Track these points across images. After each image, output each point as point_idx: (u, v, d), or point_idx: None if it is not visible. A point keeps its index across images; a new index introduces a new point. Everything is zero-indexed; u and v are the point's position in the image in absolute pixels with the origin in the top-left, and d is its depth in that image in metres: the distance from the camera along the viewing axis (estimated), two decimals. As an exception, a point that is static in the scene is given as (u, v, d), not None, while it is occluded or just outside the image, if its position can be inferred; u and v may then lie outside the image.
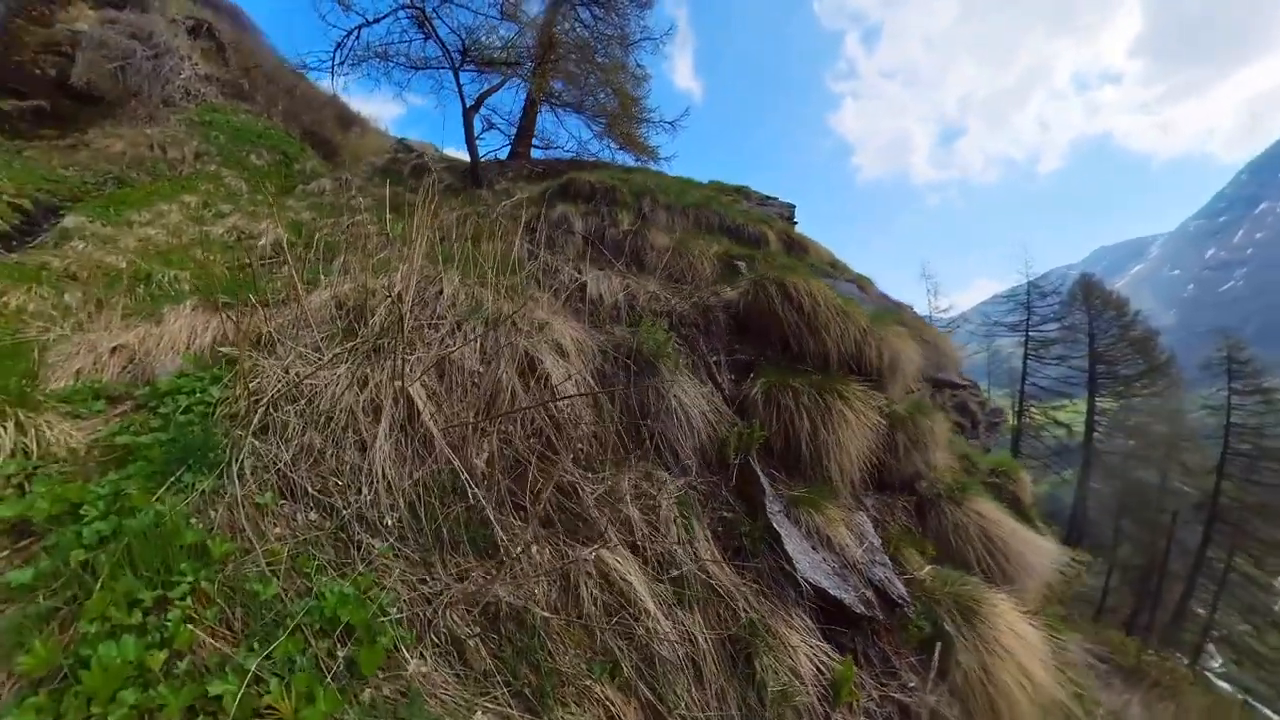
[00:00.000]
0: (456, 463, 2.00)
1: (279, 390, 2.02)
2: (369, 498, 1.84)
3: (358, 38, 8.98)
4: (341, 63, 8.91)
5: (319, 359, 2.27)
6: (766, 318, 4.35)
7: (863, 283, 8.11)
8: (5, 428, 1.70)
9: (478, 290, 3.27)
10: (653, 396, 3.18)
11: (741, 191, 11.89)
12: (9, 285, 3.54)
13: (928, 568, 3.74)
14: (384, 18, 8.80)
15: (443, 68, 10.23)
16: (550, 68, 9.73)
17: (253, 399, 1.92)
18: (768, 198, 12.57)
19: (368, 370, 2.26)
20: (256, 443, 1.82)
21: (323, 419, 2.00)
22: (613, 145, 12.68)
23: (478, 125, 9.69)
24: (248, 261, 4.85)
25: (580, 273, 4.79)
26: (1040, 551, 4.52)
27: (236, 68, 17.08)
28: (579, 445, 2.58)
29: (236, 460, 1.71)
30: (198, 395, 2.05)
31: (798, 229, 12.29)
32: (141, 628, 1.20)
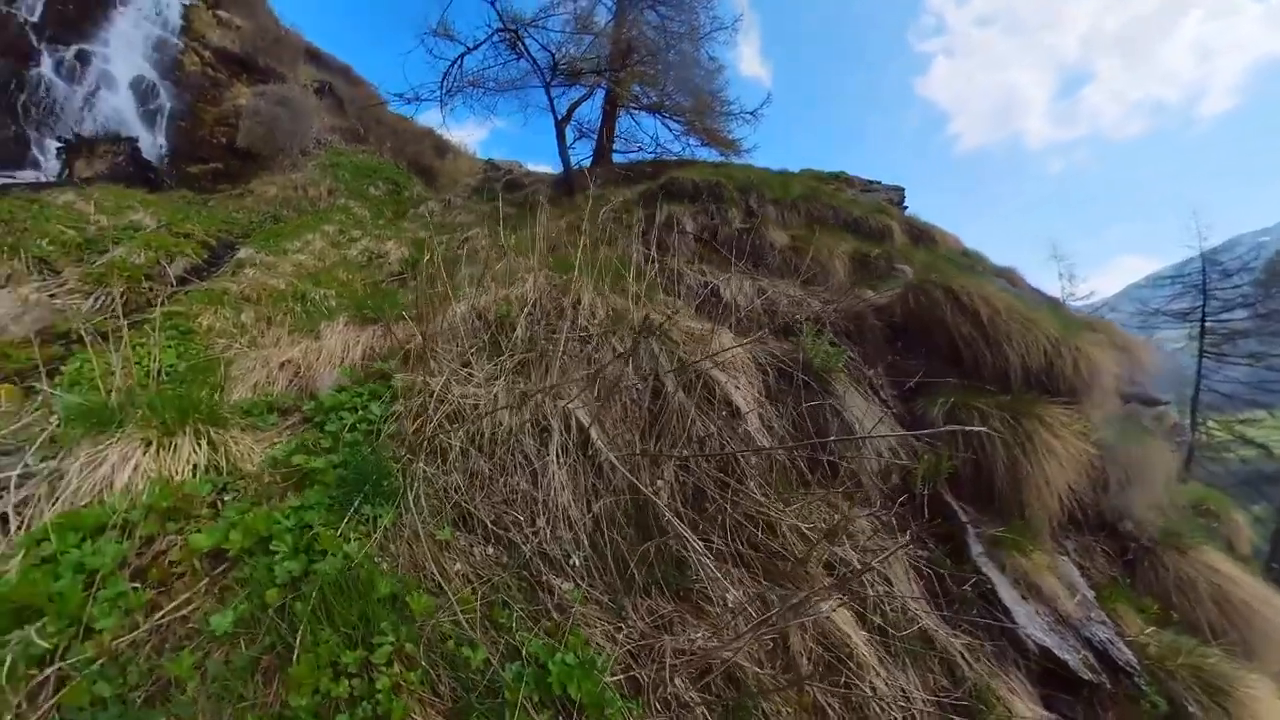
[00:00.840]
0: (643, 493, 1.66)
1: (441, 411, 1.85)
2: (547, 531, 1.57)
3: (460, 66, 9.45)
4: (446, 91, 9.44)
5: (471, 374, 2.08)
6: (932, 326, 3.71)
7: (1010, 276, 6.82)
8: (199, 446, 1.67)
9: (613, 299, 2.97)
10: (827, 416, 2.67)
11: (841, 178, 10.79)
12: (201, 308, 4.05)
13: (1149, 628, 3.02)
14: (482, 44, 9.18)
15: (528, 86, 10.51)
16: (629, 73, 9.53)
17: (416, 420, 1.75)
18: (870, 183, 11.31)
19: (523, 386, 2.03)
20: (426, 469, 1.64)
21: (486, 441, 1.79)
22: (694, 142, 12.21)
23: (569, 135, 9.75)
24: (381, 279, 5.17)
25: (704, 275, 4.39)
26: (1286, 619, 3.50)
27: (354, 116, 19.48)
28: (757, 472, 2.15)
29: (411, 488, 1.52)
30: (360, 413, 1.95)
31: (909, 213, 10.92)
32: (351, 700, 0.99)
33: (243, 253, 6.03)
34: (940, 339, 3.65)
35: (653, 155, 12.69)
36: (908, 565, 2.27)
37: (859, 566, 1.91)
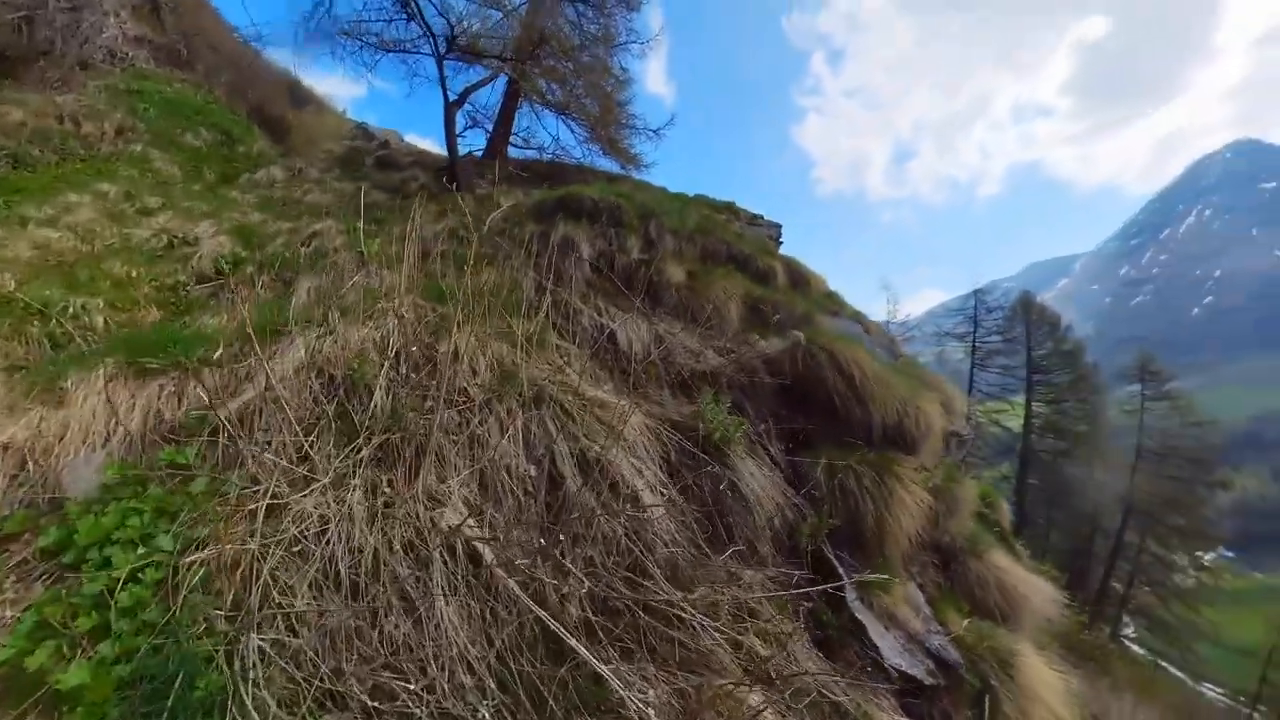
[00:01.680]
0: (545, 616, 1.46)
1: (273, 536, 1.39)
2: (444, 684, 1.28)
3: (329, 9, 7.78)
4: (308, 36, 7.68)
5: (311, 472, 1.63)
6: (815, 385, 4.17)
7: (862, 320, 7.96)
8: None
9: (497, 345, 2.65)
10: (724, 489, 2.78)
11: (730, 209, 11.51)
12: None
13: (965, 622, 3.88)
14: None
15: (419, 53, 9.20)
16: (541, 66, 8.92)
17: (236, 557, 1.28)
18: (755, 216, 12.29)
19: (384, 485, 1.65)
20: (262, 640, 1.20)
21: (345, 579, 1.40)
22: (594, 150, 11.97)
23: (460, 121, 8.75)
24: (183, 281, 3.92)
25: (600, 315, 4.24)
26: (1041, 593, 4.94)
27: (174, 30, 15.05)
28: (663, 562, 2.09)
29: (244, 681, 1.08)
30: (142, 550, 1.38)
31: (782, 249, 12.12)
32: None
33: None
34: (820, 395, 4.14)
35: (551, 156, 12.15)
36: (801, 624, 2.50)
37: (764, 653, 1.98)
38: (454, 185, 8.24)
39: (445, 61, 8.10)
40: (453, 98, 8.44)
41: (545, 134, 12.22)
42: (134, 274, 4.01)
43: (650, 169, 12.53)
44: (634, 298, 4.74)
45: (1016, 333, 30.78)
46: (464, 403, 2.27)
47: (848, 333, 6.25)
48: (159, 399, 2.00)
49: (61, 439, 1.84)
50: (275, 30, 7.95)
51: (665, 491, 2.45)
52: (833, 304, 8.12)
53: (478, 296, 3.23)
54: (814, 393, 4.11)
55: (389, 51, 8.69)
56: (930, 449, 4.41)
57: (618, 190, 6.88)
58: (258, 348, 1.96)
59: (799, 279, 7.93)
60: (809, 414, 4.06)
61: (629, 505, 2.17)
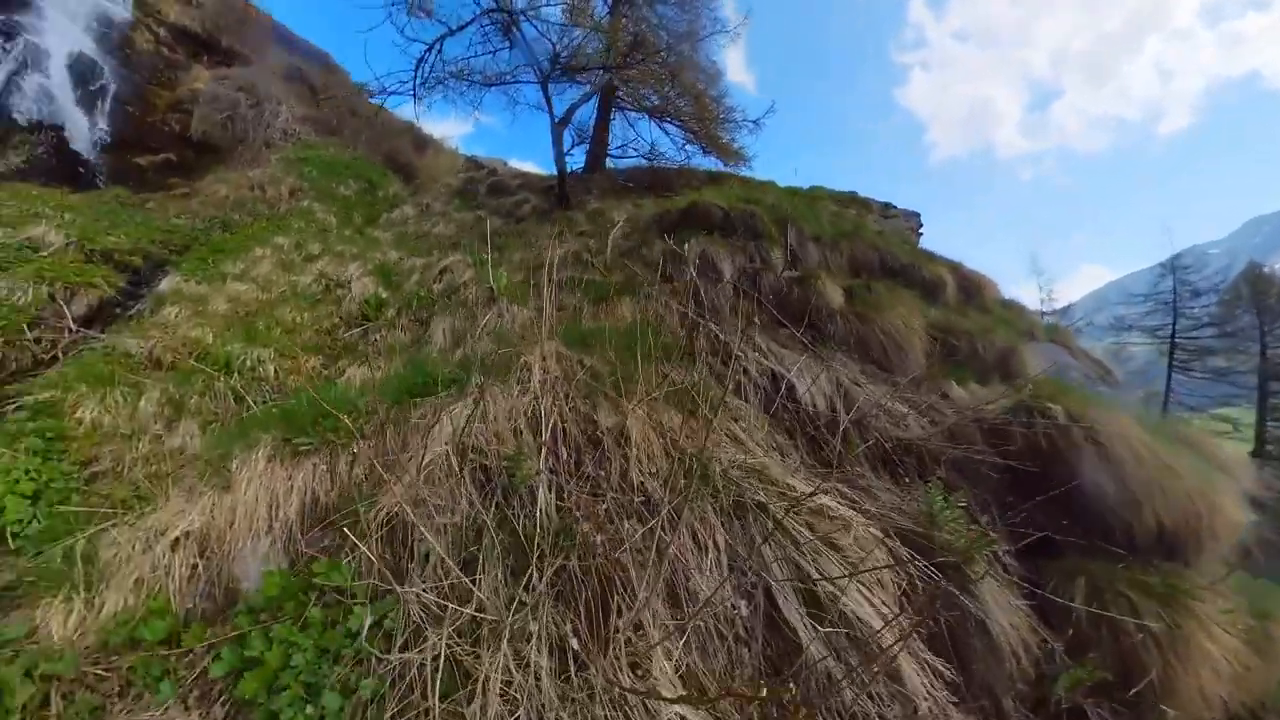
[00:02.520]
0: None
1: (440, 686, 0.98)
2: None
3: (439, 52, 8.22)
4: (422, 83, 8.22)
5: (477, 614, 1.21)
6: (1055, 464, 2.96)
7: (1061, 337, 6.15)
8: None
9: (665, 415, 2.07)
10: (969, 628, 1.91)
11: (858, 201, 10.03)
12: (87, 390, 2.91)
13: None
14: (468, 25, 7.94)
15: (519, 81, 9.44)
16: (638, 71, 8.56)
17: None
18: (886, 206, 10.63)
19: (569, 634, 1.17)
20: None
21: None
22: (691, 150, 11.33)
23: (566, 139, 8.69)
24: (336, 323, 4.14)
25: (765, 357, 3.42)
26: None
27: (326, 105, 17.86)
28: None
29: None
30: (309, 712, 1.07)
31: (921, 240, 10.26)
32: None
33: (168, 281, 4.90)
34: (1059, 475, 2.87)
35: (650, 162, 11.79)
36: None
37: None
38: (563, 203, 8.20)
39: (547, 83, 8.06)
40: (558, 118, 8.39)
41: (642, 141, 11.95)
42: (299, 319, 4.31)
43: (752, 163, 11.56)
44: (795, 329, 3.75)
45: (1241, 323, 21.13)
46: (641, 502, 1.71)
47: (1045, 355, 4.66)
48: (313, 479, 1.81)
49: (231, 525, 1.69)
50: (395, 82, 8.60)
51: (902, 629, 1.64)
52: (1014, 317, 6.35)
53: (624, 342, 2.70)
54: (1053, 472, 2.86)
55: (492, 85, 8.96)
56: (1215, 556, 2.86)
57: (747, 195, 6.07)
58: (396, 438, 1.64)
59: (970, 289, 6.24)
60: (1048, 504, 2.66)
61: (871, 661, 1.42)
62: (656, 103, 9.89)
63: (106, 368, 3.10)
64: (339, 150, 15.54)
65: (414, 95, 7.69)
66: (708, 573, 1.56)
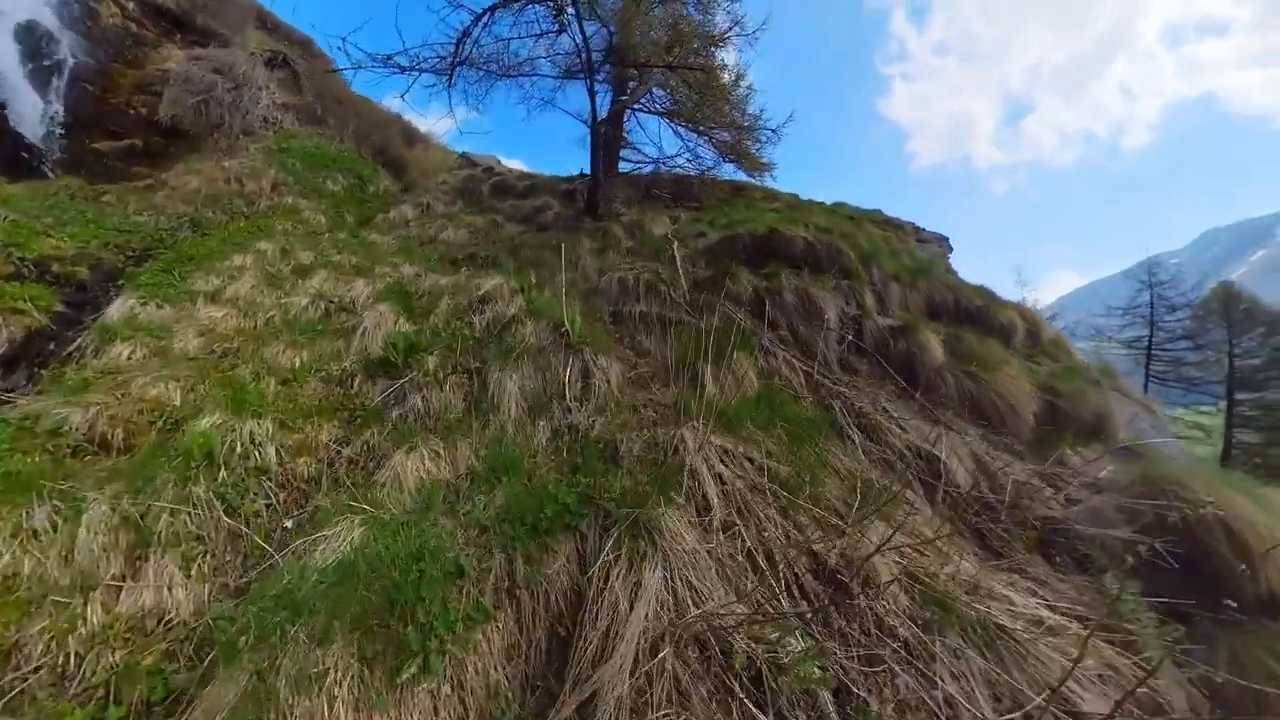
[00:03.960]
0: None
1: None
2: None
3: (488, 25, 6.88)
4: (459, 61, 6.86)
5: None
6: (1190, 544, 2.82)
7: (1111, 378, 5.62)
8: None
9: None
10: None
11: (891, 223, 9.32)
12: None
13: None
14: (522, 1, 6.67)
15: (537, 74, 8.39)
16: (677, 72, 7.62)
17: None
18: (918, 229, 9.99)
19: None
20: None
21: None
22: (705, 154, 10.38)
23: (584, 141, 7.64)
24: (348, 368, 3.10)
25: (902, 428, 3.03)
26: None
27: (310, 93, 16.49)
28: None
29: None
30: None
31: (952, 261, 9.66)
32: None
33: (120, 303, 3.76)
34: (1204, 568, 2.68)
35: (661, 167, 10.89)
36: None
37: None
38: (592, 210, 7.25)
39: (594, 75, 7.00)
40: (602, 115, 7.37)
41: (651, 145, 11.01)
42: (296, 361, 3.28)
43: (774, 174, 10.73)
44: (912, 389, 3.47)
45: (1212, 336, 22.13)
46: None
47: (1138, 426, 4.26)
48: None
49: None
50: (431, 56, 7.22)
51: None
52: (1062, 354, 5.87)
53: (765, 417, 2.03)
54: (1186, 548, 2.63)
55: (523, 75, 7.88)
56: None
57: (799, 218, 5.29)
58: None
59: (1035, 332, 5.78)
60: (1181, 577, 2.55)
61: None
62: (686, 106, 8.96)
63: (26, 462, 2.03)
64: (324, 141, 14.23)
65: (449, 75, 6.50)
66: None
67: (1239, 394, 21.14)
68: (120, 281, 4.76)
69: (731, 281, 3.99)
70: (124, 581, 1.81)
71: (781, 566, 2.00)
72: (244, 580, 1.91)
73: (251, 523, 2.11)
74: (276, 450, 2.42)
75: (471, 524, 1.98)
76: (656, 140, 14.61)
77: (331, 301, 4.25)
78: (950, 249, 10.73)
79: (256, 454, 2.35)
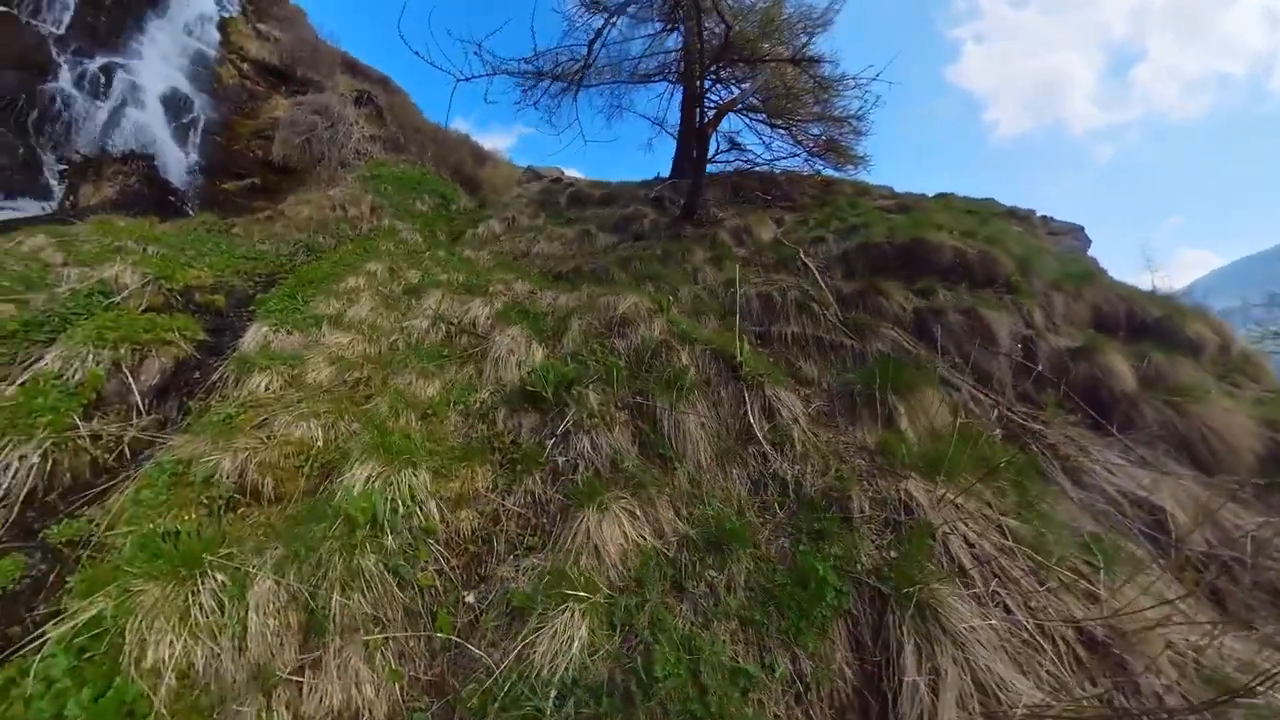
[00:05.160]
0: None
1: None
2: None
3: (616, 24, 6.57)
4: (588, 65, 6.57)
5: None
6: None
7: None
8: None
9: None
10: None
11: (1015, 215, 7.94)
12: (150, 592, 1.54)
13: None
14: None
15: (615, 81, 8.01)
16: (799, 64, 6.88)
17: None
18: (1046, 219, 8.48)
19: None
20: None
21: None
22: (781, 149, 9.40)
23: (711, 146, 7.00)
24: (487, 400, 2.74)
25: (1109, 470, 2.60)
26: None
27: (393, 124, 17.72)
28: None
29: None
30: None
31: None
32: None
33: (254, 332, 3.72)
34: None
35: (753, 165, 10.13)
36: None
37: None
38: (689, 217, 6.70)
39: (704, 73, 6.42)
40: (708, 118, 6.81)
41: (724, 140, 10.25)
42: (428, 392, 2.97)
43: (869, 166, 9.55)
44: (1107, 423, 2.96)
45: None
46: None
47: None
48: None
49: None
50: (569, 59, 6.97)
51: None
52: (1261, 374, 4.47)
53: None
54: None
55: (631, 82, 7.41)
56: None
57: (976, 229, 4.41)
58: None
59: (1226, 346, 4.55)
60: None
61: None
62: (780, 102, 8.14)
63: (183, 519, 1.79)
64: (408, 166, 15.11)
65: (578, 81, 6.20)
66: None
67: None
68: (251, 307, 4.84)
69: (884, 298, 3.32)
70: (303, 676, 1.46)
71: (1058, 641, 1.85)
72: (435, 671, 1.53)
73: (427, 595, 1.73)
74: (437, 505, 2.04)
75: (718, 612, 1.50)
76: (741, 139, 13.84)
77: (451, 323, 3.99)
78: (1089, 240, 9.06)
79: (419, 512, 1.98)
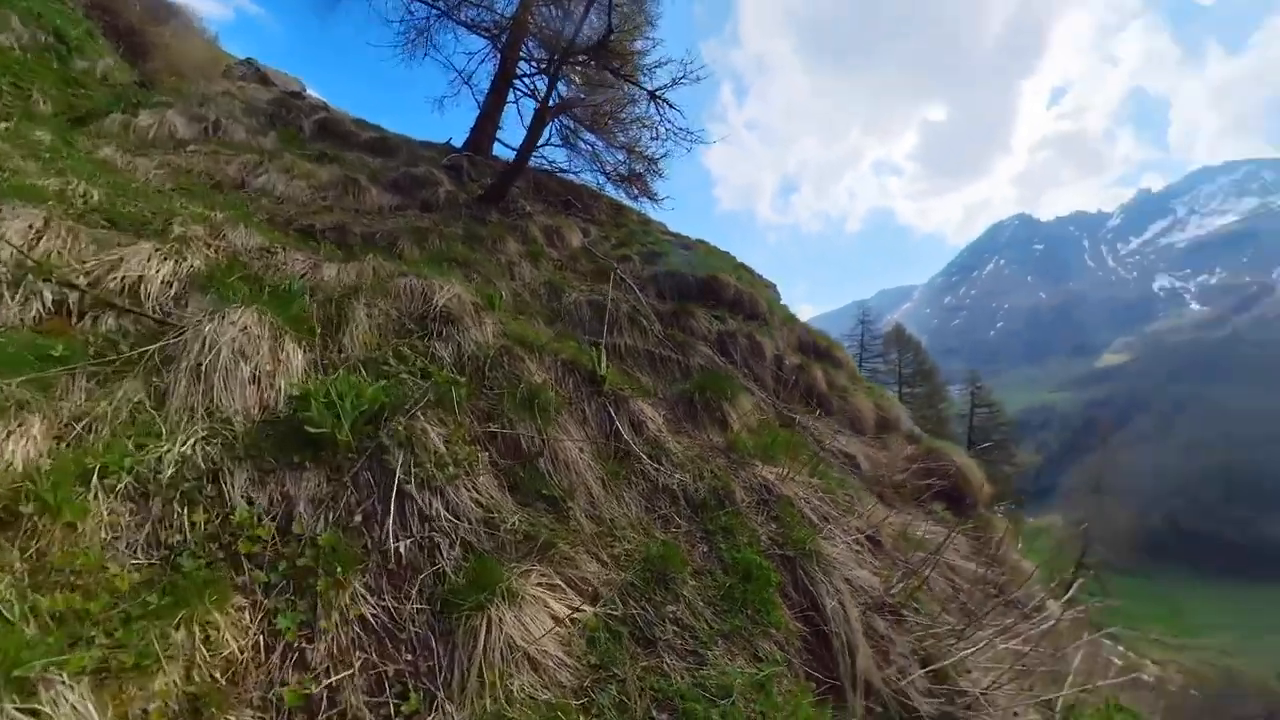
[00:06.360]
0: None
1: None
2: None
3: None
4: None
5: None
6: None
7: (876, 391, 8.56)
8: None
9: None
10: None
11: (744, 267, 10.32)
12: None
13: None
14: None
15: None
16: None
17: None
18: (755, 274, 11.44)
19: None
20: None
21: None
22: (580, 163, 9.72)
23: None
24: (206, 474, 1.41)
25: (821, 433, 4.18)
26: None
27: None
28: None
29: None
30: None
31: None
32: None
33: None
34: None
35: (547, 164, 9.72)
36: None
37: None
38: (494, 200, 5.95)
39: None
40: (555, 101, 6.01)
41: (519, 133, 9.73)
42: (43, 461, 1.47)
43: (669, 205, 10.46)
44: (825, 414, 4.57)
45: (892, 356, 35.87)
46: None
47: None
48: None
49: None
50: None
51: None
52: (860, 380, 8.00)
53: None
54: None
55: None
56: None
57: (743, 276, 5.99)
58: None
59: (851, 364, 7.75)
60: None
61: None
62: (600, 117, 8.19)
63: None
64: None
65: None
66: None
67: (904, 389, 33.48)
68: None
69: (695, 320, 3.98)
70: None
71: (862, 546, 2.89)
72: None
73: None
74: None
75: (702, 642, 1.40)
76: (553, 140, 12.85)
77: (73, 285, 2.20)
78: (777, 291, 12.65)
79: None
